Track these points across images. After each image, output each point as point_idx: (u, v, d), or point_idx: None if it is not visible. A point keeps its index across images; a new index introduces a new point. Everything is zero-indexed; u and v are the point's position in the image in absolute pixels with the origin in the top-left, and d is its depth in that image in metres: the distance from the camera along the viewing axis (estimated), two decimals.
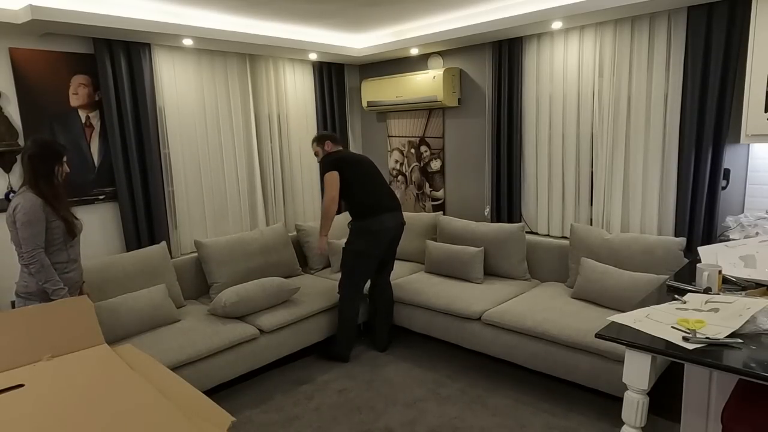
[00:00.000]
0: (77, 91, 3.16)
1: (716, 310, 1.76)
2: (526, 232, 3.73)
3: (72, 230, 2.43)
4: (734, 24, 2.73)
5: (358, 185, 3.31)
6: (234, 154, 3.93)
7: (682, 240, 2.96)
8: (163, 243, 3.40)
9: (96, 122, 3.25)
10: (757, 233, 2.53)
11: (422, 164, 4.49)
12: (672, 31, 2.98)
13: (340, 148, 3.52)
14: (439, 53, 4.18)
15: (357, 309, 3.44)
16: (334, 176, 3.26)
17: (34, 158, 2.35)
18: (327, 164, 3.30)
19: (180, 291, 3.39)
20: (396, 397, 2.98)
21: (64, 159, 2.44)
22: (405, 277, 3.85)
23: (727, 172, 2.94)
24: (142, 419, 1.24)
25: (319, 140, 3.49)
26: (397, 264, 4.23)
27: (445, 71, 3.93)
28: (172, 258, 3.53)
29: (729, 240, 2.56)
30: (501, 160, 3.83)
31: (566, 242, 3.49)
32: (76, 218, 2.50)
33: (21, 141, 2.95)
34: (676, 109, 3.03)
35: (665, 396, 2.80)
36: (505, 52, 3.69)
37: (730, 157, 2.92)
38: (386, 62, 4.58)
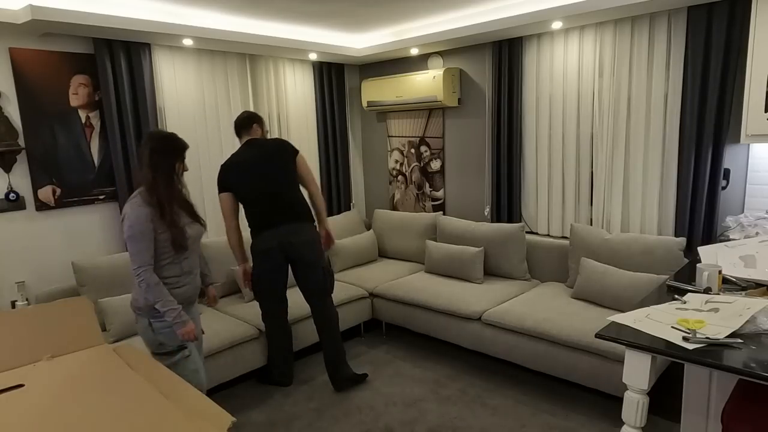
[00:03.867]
0: (77, 91, 3.16)
1: (716, 310, 1.76)
2: (526, 232, 3.73)
3: (182, 243, 2.15)
4: (734, 24, 2.73)
5: (245, 199, 2.89)
6: None
7: (682, 240, 2.96)
8: None
9: (96, 122, 3.25)
10: (757, 233, 2.53)
11: (422, 164, 4.49)
12: (672, 31, 2.98)
13: (252, 136, 2.95)
14: (439, 53, 4.18)
15: (276, 333, 3.05)
16: (222, 200, 2.85)
17: (155, 153, 2.12)
18: (218, 182, 2.89)
19: None
20: (396, 397, 2.98)
21: (185, 156, 2.23)
22: (405, 277, 3.85)
23: (727, 172, 2.94)
24: (142, 419, 1.24)
25: (246, 126, 2.95)
26: (397, 264, 4.23)
27: (445, 71, 3.93)
28: None
29: (729, 240, 2.56)
30: (501, 160, 3.83)
31: (566, 242, 3.49)
32: (202, 220, 2.28)
33: (21, 141, 2.95)
34: (676, 109, 3.03)
35: (665, 396, 2.80)
36: (505, 52, 3.69)
37: (730, 157, 2.92)
38: (386, 62, 4.58)
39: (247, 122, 2.97)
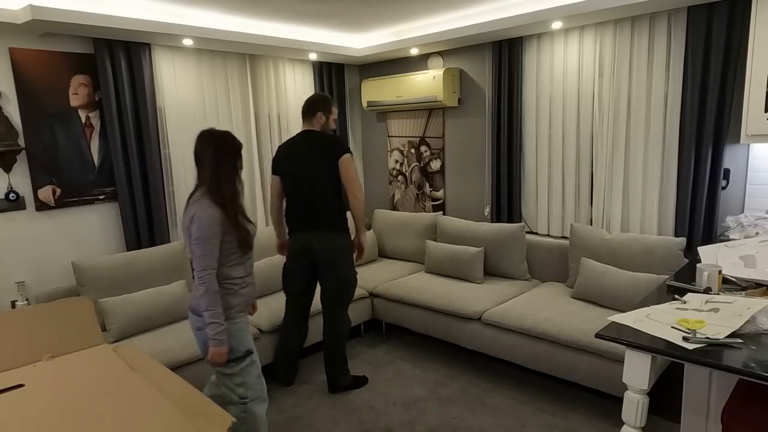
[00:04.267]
0: (77, 91, 3.16)
1: (716, 310, 1.76)
2: (526, 232, 3.73)
3: (249, 243, 2.14)
4: (734, 24, 2.73)
5: (286, 194, 2.92)
6: None
7: (682, 240, 2.96)
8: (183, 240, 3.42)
9: (96, 122, 3.25)
10: (757, 233, 2.53)
11: (422, 164, 4.49)
12: (672, 31, 2.98)
13: (312, 127, 2.90)
14: (439, 53, 4.18)
15: (287, 330, 3.07)
16: (272, 180, 2.92)
17: (218, 153, 2.07)
18: (272, 162, 2.95)
19: None
20: (396, 397, 2.98)
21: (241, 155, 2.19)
22: (405, 277, 3.85)
23: (727, 172, 2.94)
24: (142, 419, 1.24)
25: (309, 113, 2.88)
26: (397, 264, 4.23)
27: (445, 71, 3.93)
28: None
29: (729, 240, 2.56)
30: (501, 160, 3.83)
31: (566, 242, 3.49)
32: (251, 221, 2.22)
33: (21, 141, 2.95)
34: (676, 109, 3.03)
35: (665, 396, 2.80)
36: (505, 52, 3.69)
37: (730, 157, 2.92)
38: (386, 62, 4.58)
39: (310, 108, 2.86)
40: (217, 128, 2.18)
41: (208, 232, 1.99)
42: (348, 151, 2.84)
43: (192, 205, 2.07)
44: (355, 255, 3.00)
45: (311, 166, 2.82)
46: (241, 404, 2.16)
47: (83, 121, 3.20)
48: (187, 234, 2.06)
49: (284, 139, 4.28)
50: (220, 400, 2.15)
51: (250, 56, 3.97)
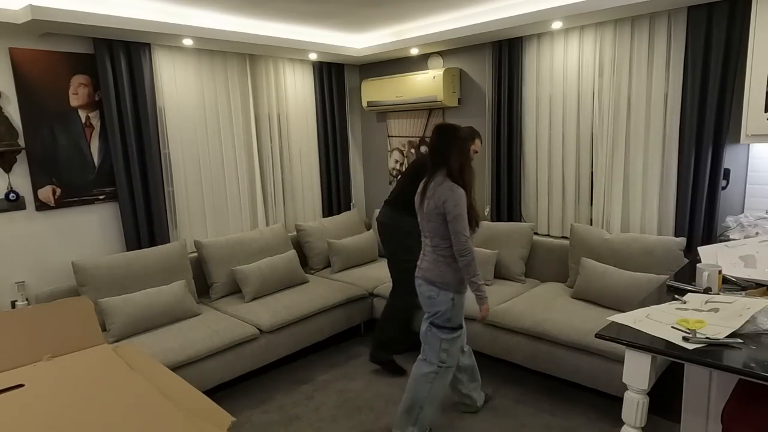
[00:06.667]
0: (77, 91, 3.16)
1: (716, 310, 1.76)
2: None
3: (478, 222, 2.40)
4: (734, 24, 2.73)
5: None
6: (234, 154, 3.93)
7: (682, 240, 2.96)
8: (184, 240, 3.45)
9: (96, 122, 3.25)
10: (757, 233, 2.53)
11: None
12: (672, 31, 2.98)
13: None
14: (439, 53, 4.18)
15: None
16: None
17: (464, 141, 2.37)
18: None
19: (195, 287, 3.46)
20: (396, 397, 2.98)
21: None
22: None
23: (727, 172, 2.94)
24: (142, 419, 1.24)
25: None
26: None
27: (445, 71, 3.93)
28: None
29: (729, 240, 2.56)
30: (501, 160, 3.83)
31: (566, 242, 3.49)
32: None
33: (21, 141, 2.95)
34: (676, 109, 3.03)
35: (665, 396, 2.80)
36: (505, 52, 3.69)
37: (730, 157, 2.92)
38: (386, 62, 4.58)
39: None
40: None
41: (462, 208, 2.29)
42: None
43: (439, 187, 2.33)
44: None
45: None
46: (437, 366, 2.44)
47: (83, 121, 3.20)
48: (436, 213, 2.32)
49: (283, 139, 4.30)
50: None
51: (250, 56, 3.97)
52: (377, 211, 4.60)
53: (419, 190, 2.45)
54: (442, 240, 2.34)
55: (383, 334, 3.23)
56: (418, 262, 2.49)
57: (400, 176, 3.25)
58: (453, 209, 2.27)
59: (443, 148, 2.36)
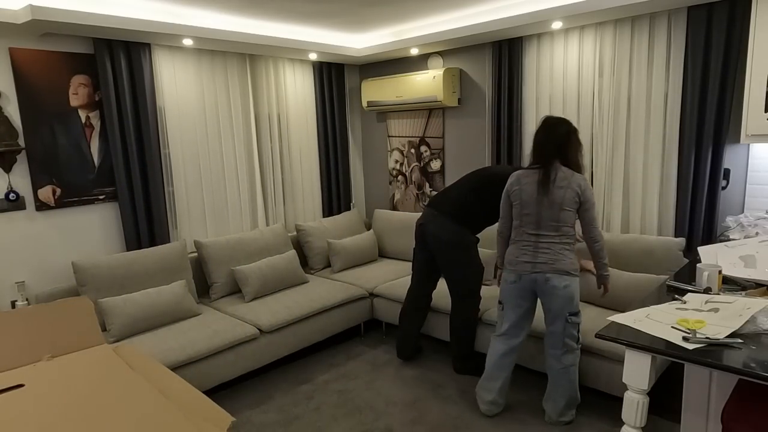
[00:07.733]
0: (77, 91, 3.16)
1: (716, 310, 1.76)
2: None
3: None
4: (734, 24, 2.73)
5: None
6: (234, 154, 3.93)
7: (682, 240, 2.96)
8: (184, 240, 3.46)
9: (96, 122, 3.25)
10: (757, 233, 2.53)
11: (422, 164, 4.49)
12: (672, 31, 2.98)
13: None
14: (439, 53, 4.18)
15: (404, 309, 3.33)
16: None
17: (577, 134, 2.48)
18: None
19: (195, 287, 3.46)
20: (396, 397, 2.98)
21: None
22: (405, 277, 3.85)
23: (727, 172, 2.94)
24: (142, 419, 1.24)
25: None
26: (397, 264, 4.23)
27: (445, 71, 3.93)
28: None
29: (729, 240, 2.56)
30: (501, 160, 3.83)
31: None
32: None
33: (21, 141, 2.95)
34: (676, 109, 3.03)
35: (665, 396, 2.80)
36: (505, 52, 3.69)
37: (730, 157, 2.92)
38: (386, 62, 4.58)
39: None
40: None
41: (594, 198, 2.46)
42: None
43: (572, 177, 2.43)
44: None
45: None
46: (577, 348, 2.54)
47: (83, 121, 3.20)
48: (574, 201, 2.42)
49: (283, 139, 4.30)
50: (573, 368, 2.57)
51: (250, 56, 3.97)
52: (377, 211, 4.61)
53: (539, 180, 2.46)
54: (570, 228, 2.45)
55: (466, 346, 3.17)
56: (525, 258, 2.50)
57: (453, 186, 3.18)
58: (591, 197, 2.42)
59: (560, 140, 2.45)
